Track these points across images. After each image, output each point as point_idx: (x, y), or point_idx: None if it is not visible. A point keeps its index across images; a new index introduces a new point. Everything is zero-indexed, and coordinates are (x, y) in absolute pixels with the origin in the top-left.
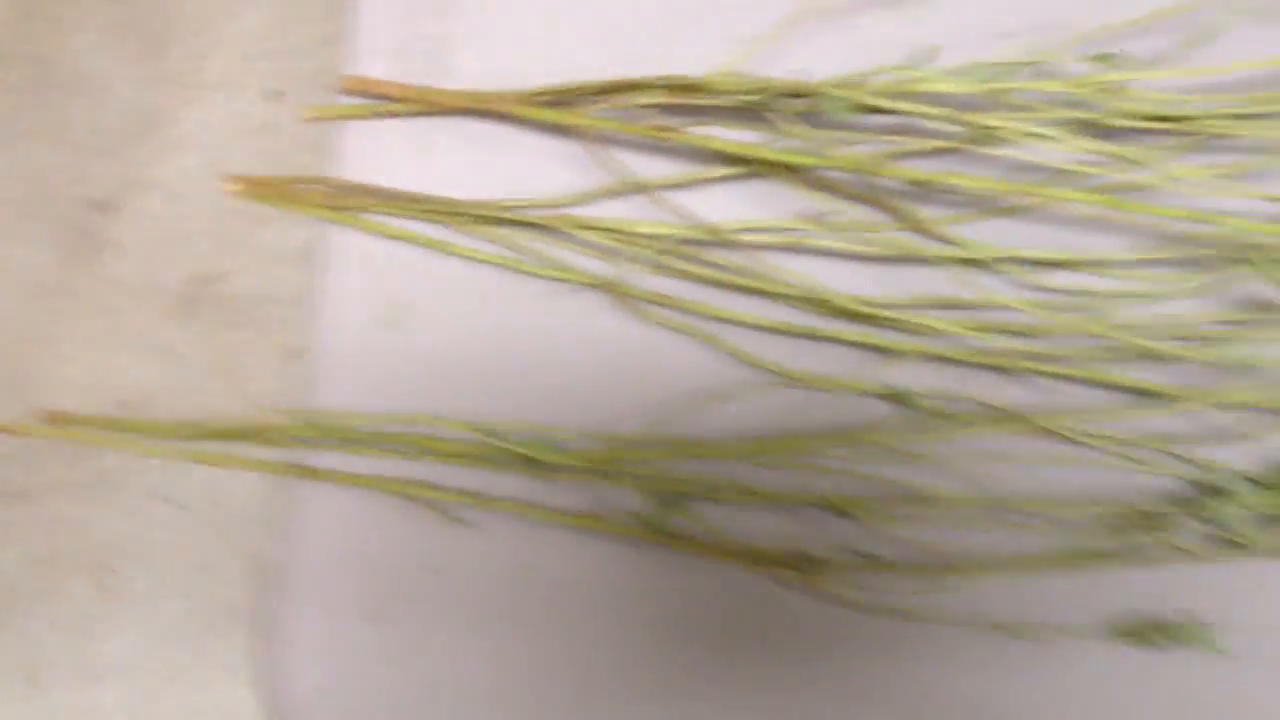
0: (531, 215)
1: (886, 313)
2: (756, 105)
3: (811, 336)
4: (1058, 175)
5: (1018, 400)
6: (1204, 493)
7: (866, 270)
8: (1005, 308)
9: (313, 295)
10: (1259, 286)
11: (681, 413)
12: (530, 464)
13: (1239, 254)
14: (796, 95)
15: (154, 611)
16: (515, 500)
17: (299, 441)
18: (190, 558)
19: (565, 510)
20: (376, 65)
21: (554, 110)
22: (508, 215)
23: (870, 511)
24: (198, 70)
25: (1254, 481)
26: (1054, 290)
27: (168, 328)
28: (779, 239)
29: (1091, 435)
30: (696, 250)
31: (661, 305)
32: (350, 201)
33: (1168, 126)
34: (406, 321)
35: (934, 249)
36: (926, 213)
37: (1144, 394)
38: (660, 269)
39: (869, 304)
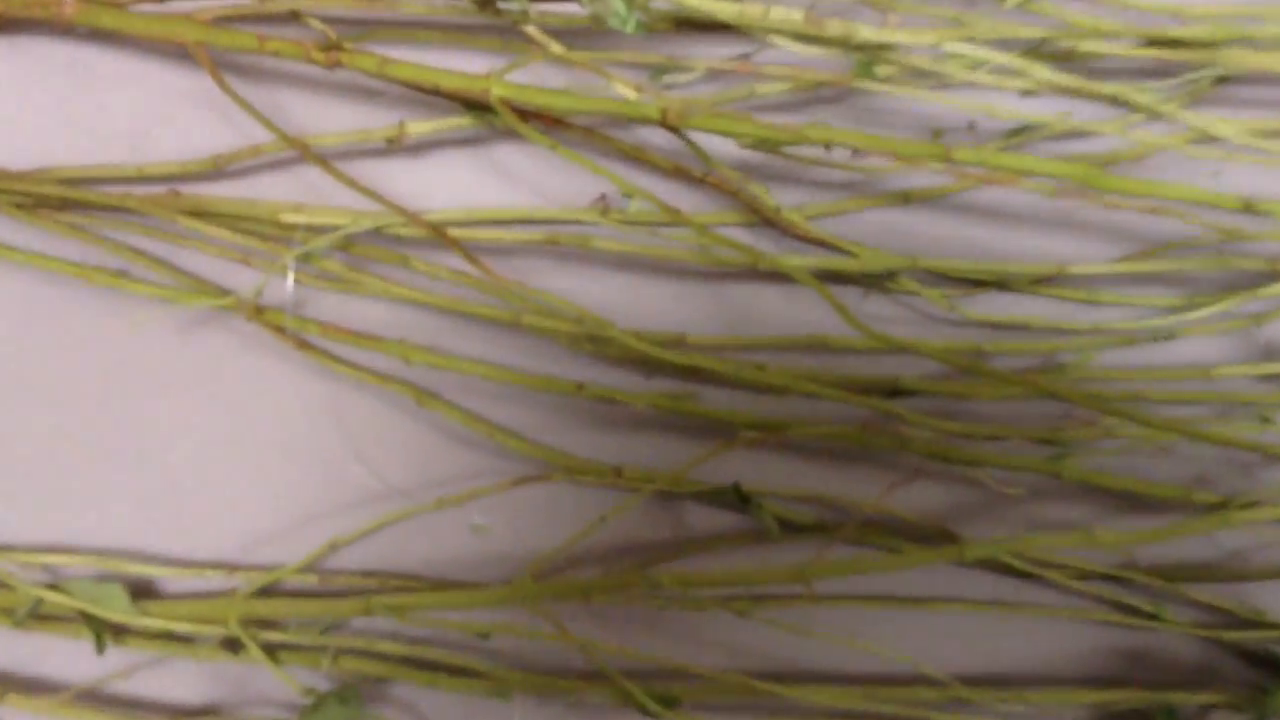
0: (134, 195)
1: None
2: (478, 7)
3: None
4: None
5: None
6: None
7: (674, 287)
8: (902, 350)
9: None
10: None
11: None
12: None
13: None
14: None
15: None
16: None
17: None
18: None
19: None
20: None
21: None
22: (87, 196)
23: None
24: None
25: None
26: (981, 322)
27: None
28: (533, 235)
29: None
30: (403, 248)
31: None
32: None
33: (1164, 54)
34: None
35: (790, 256)
36: (781, 198)
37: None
38: (343, 283)
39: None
